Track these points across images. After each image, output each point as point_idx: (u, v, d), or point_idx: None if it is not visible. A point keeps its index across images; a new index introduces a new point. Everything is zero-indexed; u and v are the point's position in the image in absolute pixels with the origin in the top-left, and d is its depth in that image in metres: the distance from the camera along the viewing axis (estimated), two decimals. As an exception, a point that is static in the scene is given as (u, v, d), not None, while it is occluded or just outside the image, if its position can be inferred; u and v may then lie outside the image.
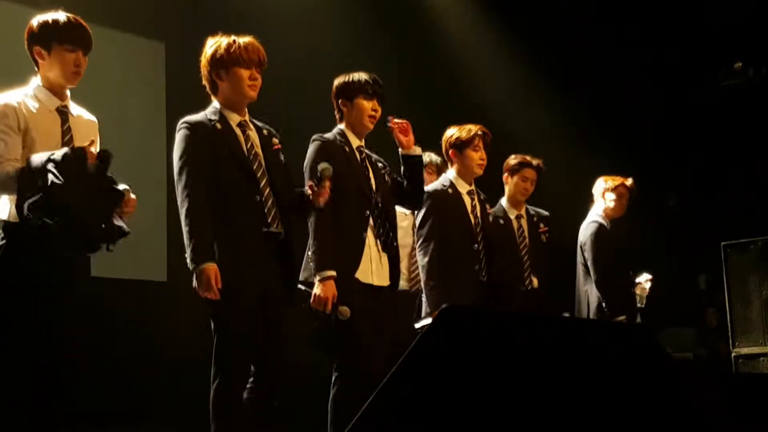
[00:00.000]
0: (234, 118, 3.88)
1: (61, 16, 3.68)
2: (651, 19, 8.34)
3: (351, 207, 4.15)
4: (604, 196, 5.94)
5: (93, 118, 3.90)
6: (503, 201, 5.59)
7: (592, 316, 5.67)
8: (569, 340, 2.24)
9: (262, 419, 3.78)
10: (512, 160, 5.58)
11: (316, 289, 3.99)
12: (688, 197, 9.35)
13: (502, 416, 2.03)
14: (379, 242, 4.21)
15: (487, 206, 5.08)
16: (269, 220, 3.77)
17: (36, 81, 3.72)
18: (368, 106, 4.29)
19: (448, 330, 2.01)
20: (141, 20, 7.02)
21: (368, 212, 4.18)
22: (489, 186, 5.30)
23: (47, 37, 3.65)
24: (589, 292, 5.79)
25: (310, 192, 3.84)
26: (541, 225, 5.61)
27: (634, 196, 6.00)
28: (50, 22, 3.66)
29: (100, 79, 5.97)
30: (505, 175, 5.58)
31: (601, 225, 5.85)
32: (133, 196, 3.66)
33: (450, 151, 4.98)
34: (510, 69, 8.48)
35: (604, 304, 5.66)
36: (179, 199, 3.72)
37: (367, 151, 4.37)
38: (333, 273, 4.00)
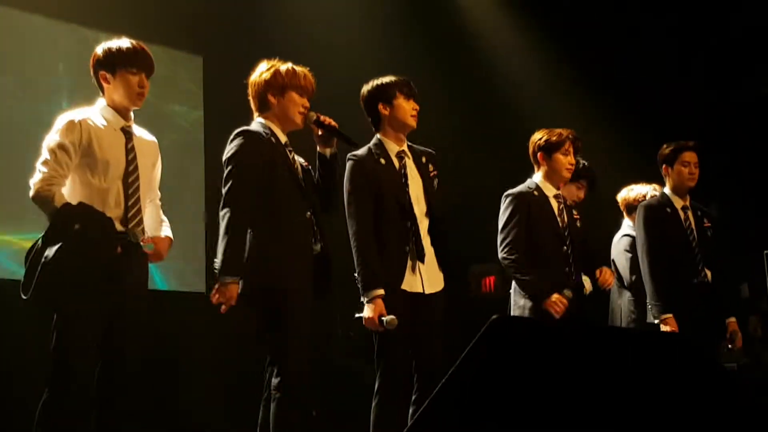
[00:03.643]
0: (282, 136, 3.95)
1: (124, 42, 3.84)
2: (686, 23, 8.25)
3: (392, 221, 4.09)
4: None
5: (153, 139, 4.03)
6: (667, 191, 5.37)
7: None
8: (618, 352, 2.21)
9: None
10: (666, 149, 5.35)
11: (366, 312, 3.97)
12: (730, 205, 9.24)
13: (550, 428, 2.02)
14: (428, 251, 4.12)
15: (574, 212, 4.90)
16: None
17: (102, 102, 3.87)
18: (408, 106, 4.19)
19: (497, 342, 1.99)
20: (179, 34, 7.08)
21: (410, 224, 4.09)
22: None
23: (112, 62, 3.79)
24: None
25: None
26: (705, 220, 5.40)
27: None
28: (114, 49, 3.81)
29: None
30: (664, 166, 5.34)
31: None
32: (164, 234, 3.96)
33: (538, 154, 4.82)
34: (544, 69, 8.39)
35: None
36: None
37: (408, 152, 4.24)
38: (381, 292, 3.97)
